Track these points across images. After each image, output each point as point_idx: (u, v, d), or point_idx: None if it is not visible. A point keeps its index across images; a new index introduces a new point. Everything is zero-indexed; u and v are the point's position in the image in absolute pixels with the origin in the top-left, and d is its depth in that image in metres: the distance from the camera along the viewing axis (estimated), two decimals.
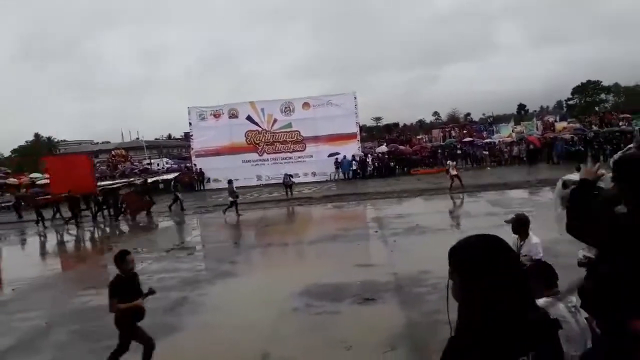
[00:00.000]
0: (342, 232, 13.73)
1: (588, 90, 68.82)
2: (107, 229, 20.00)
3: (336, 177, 30.54)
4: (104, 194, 22.78)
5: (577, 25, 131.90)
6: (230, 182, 19.44)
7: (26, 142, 78.13)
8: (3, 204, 29.66)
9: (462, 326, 1.56)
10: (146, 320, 5.30)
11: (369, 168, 30.96)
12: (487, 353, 1.46)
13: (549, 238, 6.44)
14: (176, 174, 29.76)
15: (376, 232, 13.26)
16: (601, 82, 68.08)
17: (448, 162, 22.42)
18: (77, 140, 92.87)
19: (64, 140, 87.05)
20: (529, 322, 1.53)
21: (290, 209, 20.50)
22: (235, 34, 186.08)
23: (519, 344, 1.50)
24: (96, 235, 19.12)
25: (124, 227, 19.99)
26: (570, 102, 72.10)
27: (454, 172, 20.41)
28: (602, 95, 69.15)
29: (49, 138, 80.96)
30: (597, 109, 62.58)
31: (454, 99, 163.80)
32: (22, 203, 25.90)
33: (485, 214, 14.08)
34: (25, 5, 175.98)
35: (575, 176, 5.55)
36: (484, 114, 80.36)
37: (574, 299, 3.19)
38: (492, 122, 56.41)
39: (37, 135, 79.64)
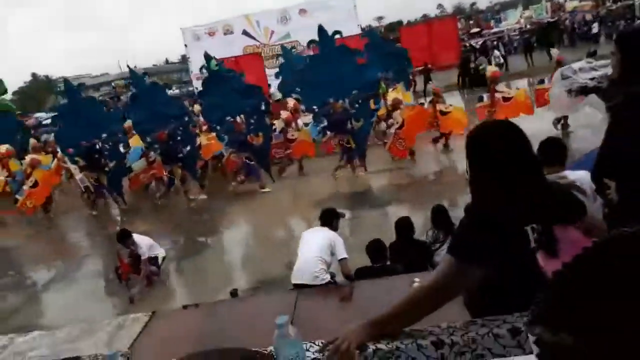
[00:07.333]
0: None
1: None
2: None
3: None
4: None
5: None
6: None
7: (24, 82, 76.93)
8: None
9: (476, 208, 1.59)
10: None
11: None
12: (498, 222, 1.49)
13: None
14: None
15: None
16: None
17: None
18: (76, 75, 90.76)
19: (62, 77, 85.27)
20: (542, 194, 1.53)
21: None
22: None
23: (529, 215, 1.52)
24: None
25: None
26: None
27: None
28: None
29: (46, 76, 79.40)
30: None
31: None
32: None
33: None
34: None
35: (577, 65, 5.36)
36: (490, 2, 75.87)
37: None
38: (500, 9, 53.33)
39: (34, 75, 78.17)
